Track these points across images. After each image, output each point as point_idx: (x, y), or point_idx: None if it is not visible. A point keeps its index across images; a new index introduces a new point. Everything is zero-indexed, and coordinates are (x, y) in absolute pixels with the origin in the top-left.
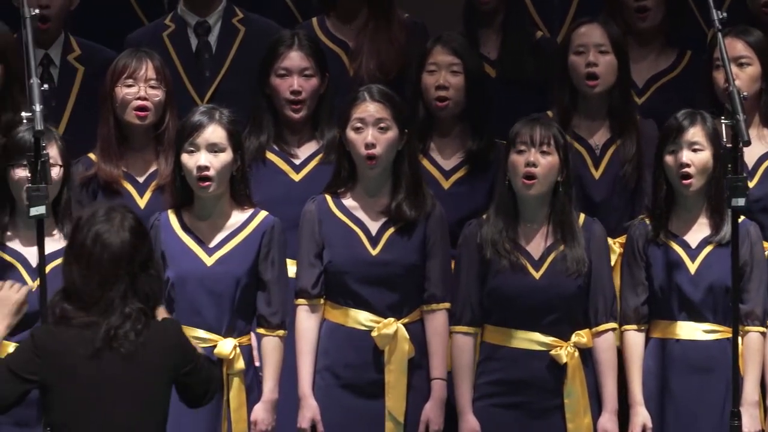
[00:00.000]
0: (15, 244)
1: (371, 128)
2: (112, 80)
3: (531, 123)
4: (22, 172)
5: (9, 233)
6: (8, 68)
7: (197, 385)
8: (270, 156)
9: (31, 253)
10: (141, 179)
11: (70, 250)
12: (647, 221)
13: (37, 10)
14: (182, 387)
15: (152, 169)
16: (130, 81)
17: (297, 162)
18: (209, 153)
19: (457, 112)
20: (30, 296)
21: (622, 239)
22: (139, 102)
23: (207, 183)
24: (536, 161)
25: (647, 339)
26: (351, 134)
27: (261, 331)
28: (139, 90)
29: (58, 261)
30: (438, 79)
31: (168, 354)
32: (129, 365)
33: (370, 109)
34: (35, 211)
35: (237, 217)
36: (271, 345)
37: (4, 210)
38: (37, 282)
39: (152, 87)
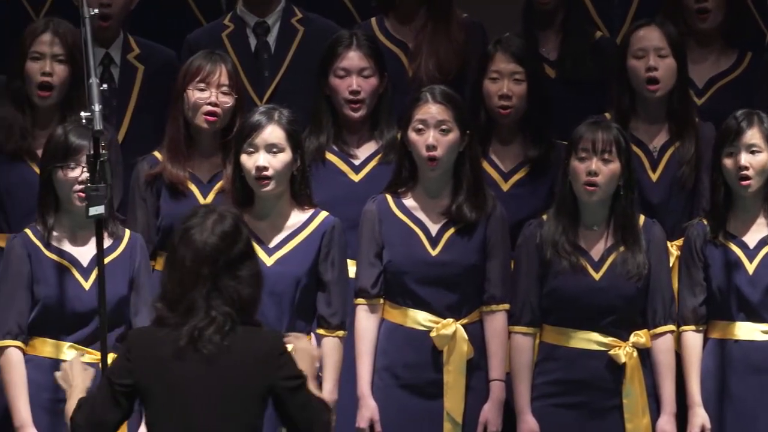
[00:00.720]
0: (63, 245)
1: (433, 130)
2: (184, 81)
3: (592, 128)
4: (68, 172)
5: (55, 234)
6: (75, 68)
7: (296, 410)
8: (329, 156)
9: (80, 253)
10: (206, 180)
11: (168, 248)
12: (705, 222)
13: (96, 10)
14: (280, 408)
15: (218, 170)
16: (202, 85)
17: (356, 162)
18: (268, 153)
19: (519, 119)
20: (87, 296)
21: (679, 242)
22: (210, 107)
23: (266, 182)
24: (598, 170)
25: (705, 340)
26: (412, 135)
27: (321, 331)
28: (211, 95)
29: (106, 261)
30: (501, 88)
31: (258, 362)
32: (211, 367)
33: (432, 110)
34: (94, 210)
35: (297, 217)
36: (330, 345)
37: (49, 211)
38: (91, 281)
39: (224, 93)
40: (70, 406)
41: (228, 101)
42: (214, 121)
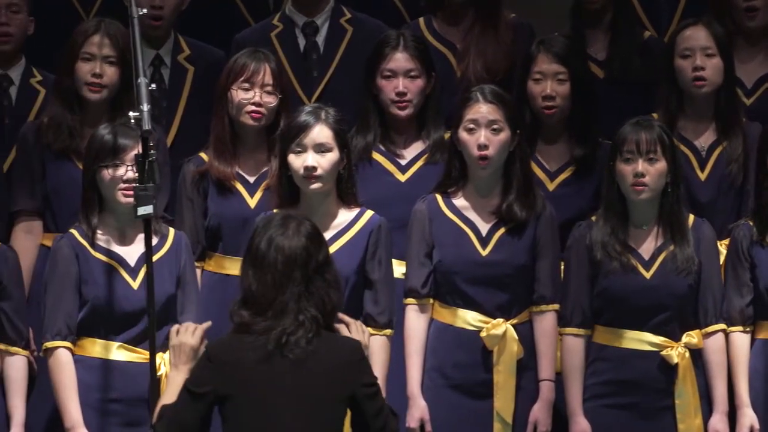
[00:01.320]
0: (110, 245)
1: (484, 129)
2: (228, 80)
3: (636, 129)
4: (116, 172)
5: (101, 233)
6: (125, 70)
7: (371, 416)
8: (376, 156)
9: (127, 253)
10: (252, 179)
11: (247, 256)
12: (751, 223)
13: (144, 10)
14: (356, 413)
15: (263, 169)
16: (246, 85)
17: (403, 162)
18: (316, 153)
19: (564, 118)
20: (135, 295)
21: (727, 241)
22: (254, 107)
23: (314, 181)
24: (645, 170)
25: (752, 340)
26: (463, 135)
27: (368, 330)
28: (255, 95)
29: (155, 258)
30: (545, 89)
31: (340, 368)
32: (298, 372)
33: (482, 110)
34: (143, 210)
35: (343, 216)
36: (378, 344)
37: (93, 211)
38: (139, 281)
39: (268, 93)
40: (175, 365)
41: (272, 101)
42: (258, 117)
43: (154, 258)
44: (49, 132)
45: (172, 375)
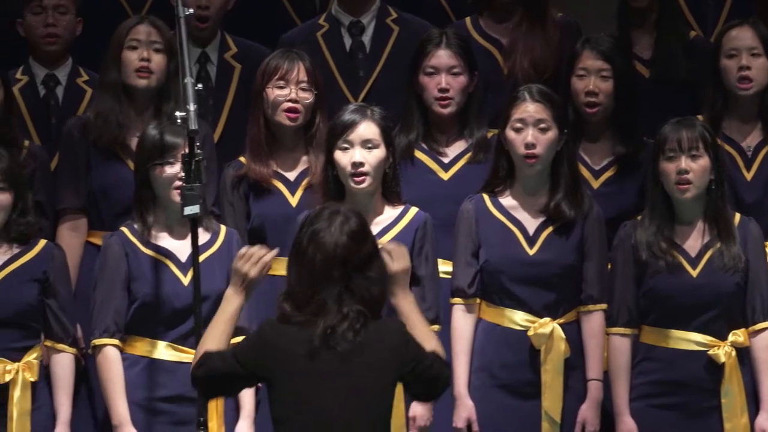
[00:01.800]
0: (161, 242)
1: (531, 128)
2: (263, 80)
3: (677, 127)
4: (167, 170)
5: (153, 231)
6: (171, 59)
7: (423, 385)
8: (418, 154)
9: (178, 249)
10: (292, 178)
11: (292, 249)
12: None
13: (191, 10)
14: (408, 384)
15: (302, 167)
16: (281, 83)
17: (446, 161)
18: (363, 149)
19: (607, 116)
20: (185, 291)
21: None
22: (290, 104)
23: (362, 178)
24: (688, 167)
25: None
26: (510, 134)
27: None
28: (290, 92)
29: (203, 256)
30: (588, 85)
31: (390, 355)
32: (346, 364)
33: (530, 109)
34: (189, 210)
35: (389, 213)
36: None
37: (148, 209)
38: (189, 277)
39: (303, 89)
40: (231, 287)
41: (308, 97)
42: (295, 117)
43: (205, 255)
44: (97, 125)
45: (223, 303)
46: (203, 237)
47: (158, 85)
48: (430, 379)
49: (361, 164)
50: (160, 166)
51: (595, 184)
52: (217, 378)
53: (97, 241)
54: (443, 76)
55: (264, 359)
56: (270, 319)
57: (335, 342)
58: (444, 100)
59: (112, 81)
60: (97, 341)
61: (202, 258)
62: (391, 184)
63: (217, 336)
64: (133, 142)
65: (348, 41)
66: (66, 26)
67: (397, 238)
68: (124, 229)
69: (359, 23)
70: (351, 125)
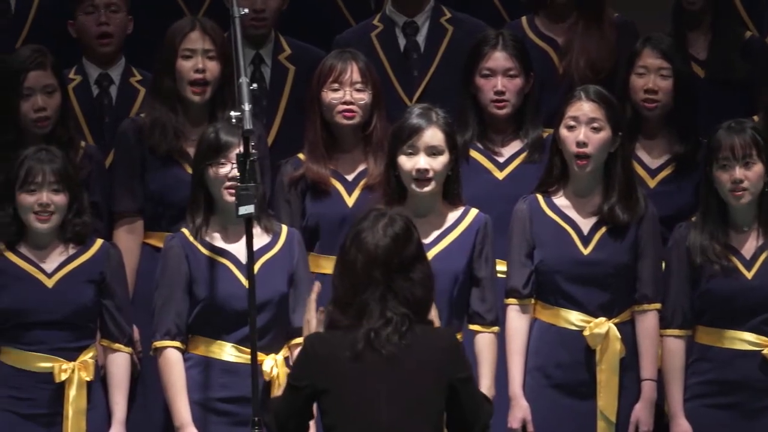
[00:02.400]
0: (220, 243)
1: (584, 127)
2: (318, 83)
3: (729, 134)
4: (220, 170)
5: (209, 231)
6: (225, 65)
7: (466, 401)
8: (474, 154)
9: (238, 251)
10: (350, 178)
11: (339, 250)
12: None
13: (246, 10)
14: (453, 404)
15: (361, 168)
16: (335, 85)
17: (501, 160)
18: (428, 156)
19: (665, 115)
20: (245, 294)
21: None
22: (344, 106)
23: (425, 183)
24: (743, 176)
25: None
26: (563, 132)
27: (475, 327)
28: (345, 94)
29: (264, 258)
30: (647, 83)
31: (439, 359)
32: (392, 367)
33: (584, 108)
34: (244, 210)
35: (449, 214)
36: (486, 342)
37: (199, 210)
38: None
39: (358, 90)
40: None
41: (363, 97)
42: (351, 117)
43: (266, 257)
44: (154, 134)
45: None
46: (263, 239)
47: (213, 93)
48: (474, 403)
49: (426, 171)
50: (214, 165)
51: (652, 183)
52: (280, 412)
53: (154, 242)
54: (499, 79)
55: (313, 371)
56: (313, 333)
57: (380, 345)
58: (500, 102)
59: (167, 89)
60: (159, 343)
61: (262, 260)
62: (452, 186)
63: None
64: (190, 148)
65: (402, 41)
66: (118, 24)
67: (458, 240)
68: (185, 231)
69: (413, 23)
70: (417, 130)
